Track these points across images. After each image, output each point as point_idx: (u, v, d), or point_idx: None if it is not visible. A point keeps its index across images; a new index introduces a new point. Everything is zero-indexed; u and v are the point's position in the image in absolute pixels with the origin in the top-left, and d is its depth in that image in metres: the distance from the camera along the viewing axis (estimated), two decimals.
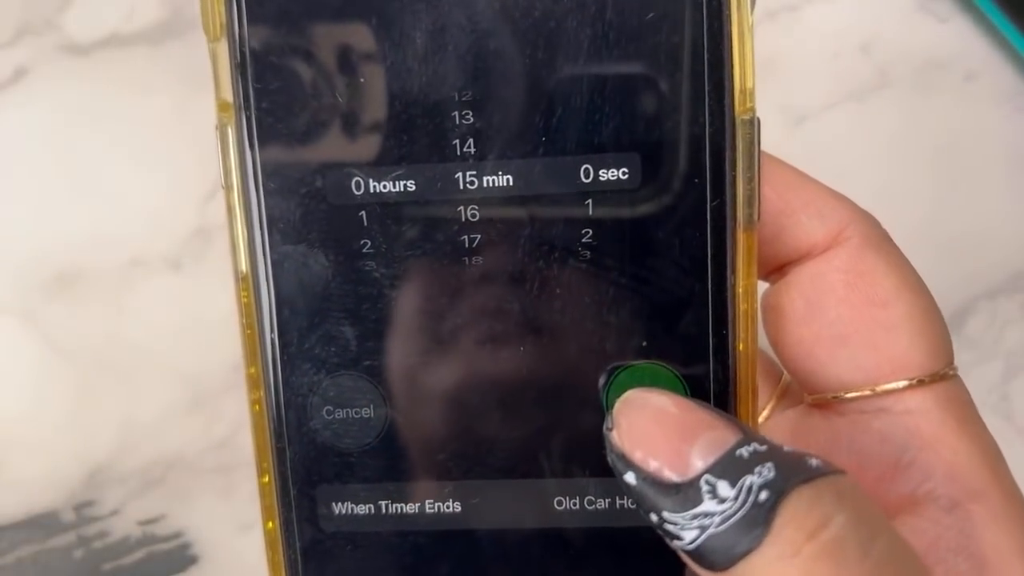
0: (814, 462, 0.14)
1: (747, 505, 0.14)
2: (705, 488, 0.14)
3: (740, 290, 0.16)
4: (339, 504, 0.17)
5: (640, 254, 0.16)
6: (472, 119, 0.16)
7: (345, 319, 0.17)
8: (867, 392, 0.17)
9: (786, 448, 0.15)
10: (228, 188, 0.17)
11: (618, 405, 0.16)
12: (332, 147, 0.16)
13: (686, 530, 0.14)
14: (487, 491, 0.17)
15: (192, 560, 0.30)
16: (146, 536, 0.30)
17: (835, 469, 0.14)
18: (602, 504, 0.17)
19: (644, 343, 0.17)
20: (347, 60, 0.16)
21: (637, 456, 0.15)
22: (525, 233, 0.16)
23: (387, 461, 0.17)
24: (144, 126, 0.30)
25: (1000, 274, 0.31)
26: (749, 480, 0.14)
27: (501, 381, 0.17)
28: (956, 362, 0.17)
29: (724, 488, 0.14)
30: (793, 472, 0.14)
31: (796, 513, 0.13)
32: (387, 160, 0.16)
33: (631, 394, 0.16)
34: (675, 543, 0.14)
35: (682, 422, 0.15)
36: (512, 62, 0.16)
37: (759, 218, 0.16)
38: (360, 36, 0.16)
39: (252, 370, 0.17)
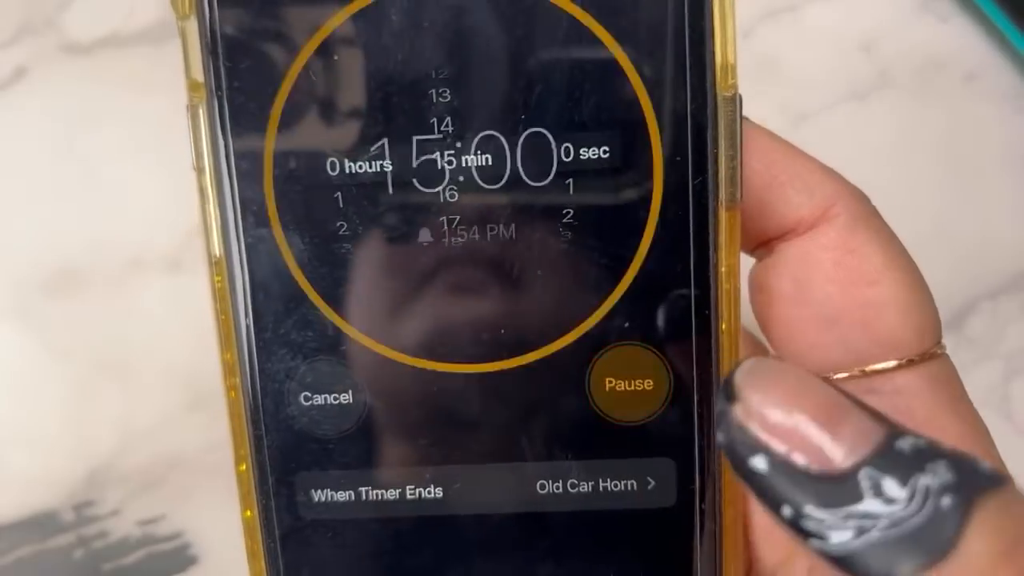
0: (983, 465, 0.12)
1: (926, 510, 0.12)
2: (866, 484, 0.12)
3: (723, 269, 0.16)
4: (318, 491, 0.17)
5: (621, 234, 0.16)
6: (449, 98, 0.16)
7: (321, 302, 0.17)
8: (856, 373, 0.16)
9: (943, 443, 0.13)
10: (200, 170, 0.16)
11: (743, 376, 0.14)
12: (306, 127, 0.16)
13: (835, 530, 0.12)
14: (469, 476, 0.17)
15: (192, 560, 0.30)
16: (146, 536, 0.30)
17: (1006, 473, 0.13)
18: (585, 487, 0.17)
19: (626, 324, 0.16)
20: (320, 39, 0.16)
21: (774, 439, 0.13)
22: (504, 213, 0.16)
23: (366, 447, 0.17)
24: (144, 126, 0.30)
25: (1001, 274, 0.31)
26: (923, 481, 0.12)
27: (480, 364, 0.17)
28: (956, 361, 0.17)
29: (892, 487, 0.12)
30: (970, 475, 0.12)
31: (988, 527, 0.12)
32: (362, 140, 0.16)
33: (758, 364, 0.14)
34: (812, 542, 0.13)
35: (825, 402, 0.13)
36: (490, 40, 0.16)
37: (742, 197, 0.16)
38: (334, 14, 0.16)
39: (227, 356, 0.17)
